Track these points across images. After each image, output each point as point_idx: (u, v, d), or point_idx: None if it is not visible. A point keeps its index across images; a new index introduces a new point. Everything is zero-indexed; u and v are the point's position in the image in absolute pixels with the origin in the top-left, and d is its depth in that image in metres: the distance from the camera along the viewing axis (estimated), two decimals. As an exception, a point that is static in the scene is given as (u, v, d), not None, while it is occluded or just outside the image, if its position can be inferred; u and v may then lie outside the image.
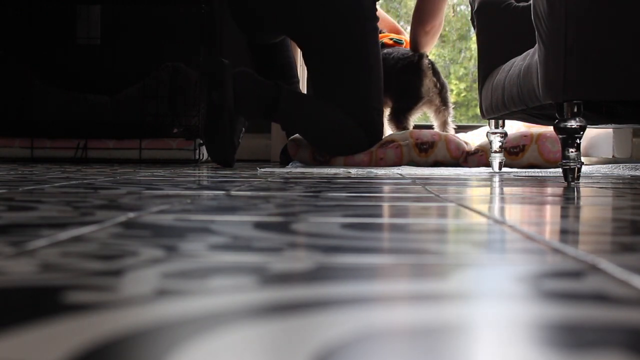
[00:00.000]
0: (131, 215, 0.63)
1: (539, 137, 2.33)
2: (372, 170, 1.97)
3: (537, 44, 1.42)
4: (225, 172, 1.81)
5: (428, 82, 2.61)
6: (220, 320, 0.26)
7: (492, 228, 0.58)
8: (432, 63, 2.65)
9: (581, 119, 1.35)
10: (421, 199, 0.88)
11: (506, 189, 1.14)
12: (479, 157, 2.37)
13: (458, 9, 4.63)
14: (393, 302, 0.30)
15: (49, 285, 0.33)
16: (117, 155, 2.72)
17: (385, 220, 0.64)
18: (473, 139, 2.58)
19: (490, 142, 2.04)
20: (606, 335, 0.25)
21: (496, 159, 2.02)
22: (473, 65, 4.48)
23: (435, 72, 2.64)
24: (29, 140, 2.72)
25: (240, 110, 2.25)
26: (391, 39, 2.80)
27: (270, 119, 2.38)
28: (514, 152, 2.34)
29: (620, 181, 1.50)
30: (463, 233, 0.56)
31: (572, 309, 0.29)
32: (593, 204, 0.86)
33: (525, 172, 2.02)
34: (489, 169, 2.10)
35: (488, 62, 1.96)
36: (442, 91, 2.64)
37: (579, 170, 1.37)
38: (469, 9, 2.16)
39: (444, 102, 2.65)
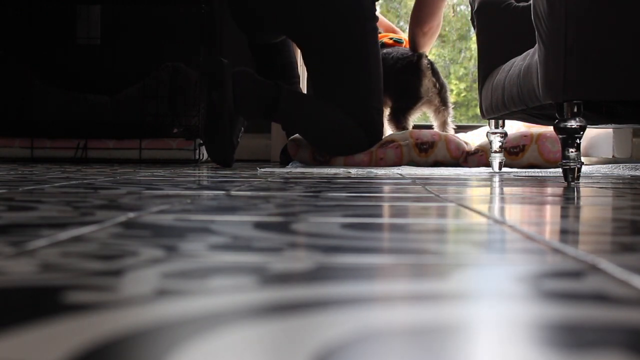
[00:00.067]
0: (131, 215, 0.63)
1: (539, 137, 2.33)
2: (372, 170, 1.97)
3: (537, 44, 1.42)
4: (225, 172, 1.81)
5: (427, 82, 2.61)
6: (220, 320, 0.26)
7: (492, 228, 0.58)
8: (431, 63, 2.65)
9: (581, 119, 1.35)
10: (421, 199, 0.88)
11: (506, 189, 1.14)
12: (479, 157, 2.37)
13: (458, 9, 4.63)
14: (393, 302, 0.30)
15: (49, 285, 0.33)
16: (117, 155, 2.72)
17: (385, 220, 0.64)
18: (473, 139, 2.58)
19: (490, 142, 2.04)
20: (606, 335, 0.25)
21: (496, 159, 2.02)
22: (473, 65, 4.48)
23: (435, 72, 2.64)
24: (29, 140, 2.72)
25: (240, 110, 2.25)
26: (391, 38, 2.80)
27: (270, 119, 2.38)
28: (514, 152, 2.34)
29: (620, 181, 1.50)
30: (463, 233, 0.56)
31: (572, 309, 0.29)
32: (593, 204, 0.86)
33: (525, 172, 2.02)
34: (489, 169, 2.10)
35: (488, 62, 1.96)
36: (441, 91, 2.64)
37: (579, 170, 1.37)
38: (469, 9, 2.16)
39: (444, 102, 2.65)
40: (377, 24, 2.45)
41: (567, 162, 1.36)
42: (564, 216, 0.71)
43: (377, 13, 2.50)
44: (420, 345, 0.24)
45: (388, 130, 2.66)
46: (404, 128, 2.60)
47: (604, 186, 1.27)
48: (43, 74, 2.93)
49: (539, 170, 2.16)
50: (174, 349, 0.23)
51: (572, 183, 1.35)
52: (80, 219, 0.59)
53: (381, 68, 2.42)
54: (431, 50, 2.81)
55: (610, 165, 2.39)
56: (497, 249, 0.46)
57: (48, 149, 2.73)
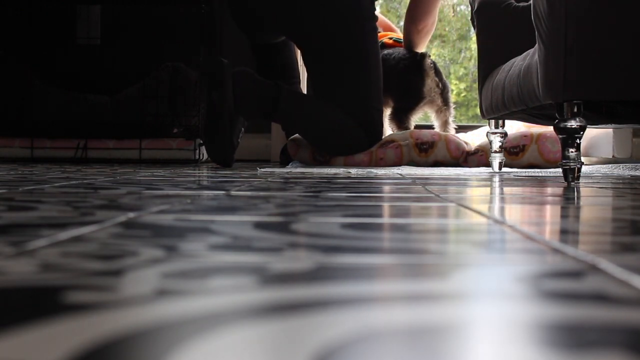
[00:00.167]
0: (131, 215, 0.63)
1: (539, 137, 2.33)
2: (372, 170, 1.97)
3: (537, 44, 1.42)
4: (225, 172, 1.81)
5: (430, 82, 2.61)
6: (220, 320, 0.26)
7: (492, 228, 0.58)
8: (434, 63, 2.65)
9: (581, 119, 1.35)
10: (421, 199, 0.88)
11: (506, 189, 1.14)
12: (479, 157, 2.37)
13: (458, 9, 4.63)
14: (393, 302, 0.30)
15: (49, 285, 0.33)
16: (117, 155, 2.72)
17: (385, 220, 0.64)
18: (473, 139, 2.58)
19: (490, 142, 2.04)
20: (606, 335, 0.25)
21: (496, 159, 2.02)
22: (473, 65, 4.48)
23: (438, 72, 2.64)
24: (29, 140, 2.72)
25: (240, 110, 2.25)
26: (391, 38, 2.80)
27: (270, 119, 2.38)
28: (514, 152, 2.34)
29: (620, 181, 1.50)
30: (463, 233, 0.56)
31: (572, 309, 0.29)
32: (593, 204, 0.86)
33: (525, 172, 2.02)
34: (489, 169, 2.10)
35: (488, 62, 1.96)
36: (444, 91, 2.64)
37: (579, 170, 1.37)
38: (469, 9, 2.16)
39: (446, 102, 2.65)
40: (377, 23, 2.45)
41: (567, 162, 1.36)
42: (564, 216, 0.71)
43: (377, 12, 2.50)
44: (420, 345, 0.24)
45: (389, 130, 2.66)
46: (406, 128, 2.60)
47: (604, 186, 1.27)
48: (43, 74, 2.93)
49: (539, 170, 2.16)
50: (174, 349, 0.23)
51: (572, 183, 1.35)
52: (80, 219, 0.59)
53: (381, 68, 2.42)
54: (431, 50, 2.81)
55: (610, 165, 2.39)
56: (497, 249, 0.46)
57: (48, 149, 2.73)
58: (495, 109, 1.84)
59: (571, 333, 0.25)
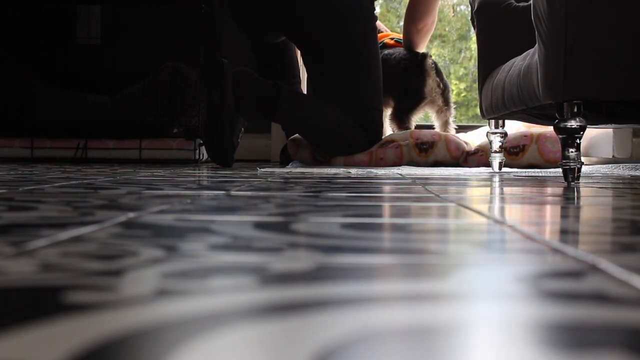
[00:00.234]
0: (131, 215, 0.63)
1: (539, 137, 2.33)
2: (372, 170, 1.97)
3: (537, 44, 1.42)
4: (225, 172, 1.81)
5: (431, 82, 2.61)
6: (220, 320, 0.26)
7: (492, 228, 0.58)
8: (435, 63, 2.65)
9: (581, 119, 1.35)
10: (421, 199, 0.88)
11: (506, 189, 1.14)
12: (479, 157, 2.37)
13: (458, 9, 4.63)
14: (393, 302, 0.30)
15: (49, 285, 0.33)
16: (117, 155, 2.72)
17: (385, 220, 0.64)
18: (473, 139, 2.58)
19: (490, 142, 2.04)
20: (606, 335, 0.25)
21: (496, 159, 2.02)
22: (473, 65, 4.48)
23: (438, 72, 2.64)
24: (29, 140, 2.72)
25: (240, 110, 2.25)
26: (392, 38, 2.80)
27: (270, 119, 2.38)
28: (514, 152, 2.34)
29: (620, 181, 1.50)
30: (463, 233, 0.56)
31: (572, 309, 0.29)
32: (593, 204, 0.86)
33: (525, 172, 2.02)
34: (489, 169, 2.10)
35: (488, 62, 1.96)
36: (444, 91, 2.64)
37: (579, 170, 1.37)
38: (469, 9, 2.16)
39: (446, 102, 2.65)
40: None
41: (567, 162, 1.36)
42: (564, 216, 0.71)
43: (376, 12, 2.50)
44: (420, 345, 0.24)
45: (390, 130, 2.66)
46: (407, 128, 2.59)
47: (604, 186, 1.27)
48: (43, 74, 2.93)
49: (539, 170, 2.16)
50: (174, 349, 0.23)
51: (572, 183, 1.35)
52: (80, 219, 0.59)
53: (381, 68, 2.42)
54: (431, 50, 2.81)
55: (610, 165, 2.39)
56: (497, 249, 0.46)
57: (48, 149, 2.73)
58: (495, 109, 1.84)
59: (571, 333, 0.25)
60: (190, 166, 2.35)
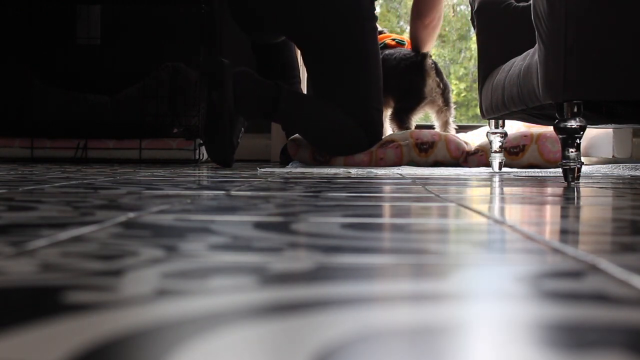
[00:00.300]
0: (131, 215, 0.63)
1: (539, 137, 2.33)
2: (372, 170, 1.97)
3: (537, 44, 1.42)
4: (225, 172, 1.81)
5: (431, 82, 2.61)
6: (220, 320, 0.26)
7: (492, 228, 0.58)
8: (435, 63, 2.65)
9: (581, 119, 1.35)
10: (421, 199, 0.88)
11: (506, 189, 1.14)
12: (479, 157, 2.37)
13: (458, 9, 4.63)
14: (393, 302, 0.30)
15: (49, 285, 0.33)
16: (117, 155, 2.72)
17: (385, 220, 0.64)
18: (473, 139, 2.58)
19: (490, 142, 2.04)
20: (606, 335, 0.25)
21: (496, 159, 2.02)
22: (473, 65, 4.48)
23: (438, 73, 2.64)
24: (29, 140, 2.72)
25: (240, 110, 2.25)
26: (393, 39, 2.80)
27: (270, 119, 2.38)
28: (514, 152, 2.34)
29: (620, 181, 1.50)
30: (463, 233, 0.56)
31: (572, 309, 0.29)
32: (593, 204, 0.86)
33: (525, 172, 2.02)
34: (489, 169, 2.10)
35: (488, 62, 1.96)
36: (445, 91, 2.64)
37: (579, 170, 1.37)
38: (469, 9, 2.16)
39: (446, 102, 2.65)
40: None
41: (567, 162, 1.36)
42: (564, 216, 0.71)
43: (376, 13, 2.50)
44: (420, 345, 0.24)
45: (390, 130, 2.66)
46: (407, 128, 2.59)
47: (604, 186, 1.27)
48: (43, 74, 2.93)
49: (539, 170, 2.16)
50: (174, 349, 0.23)
51: (572, 183, 1.35)
52: (80, 219, 0.59)
53: (381, 68, 2.42)
54: (431, 50, 2.80)
55: (610, 165, 2.39)
56: (497, 249, 0.46)
57: (48, 149, 2.73)
58: (495, 109, 1.84)
59: (571, 333, 0.25)
60: (190, 166, 2.35)
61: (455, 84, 4.52)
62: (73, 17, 3.07)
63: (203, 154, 2.77)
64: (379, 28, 2.85)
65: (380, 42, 2.58)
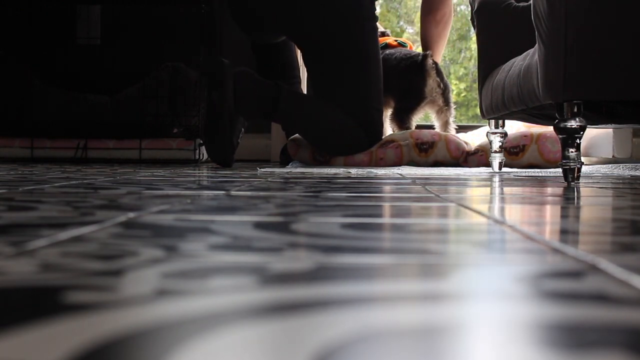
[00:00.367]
0: (131, 215, 0.63)
1: (539, 137, 2.33)
2: (372, 170, 1.97)
3: (537, 44, 1.42)
4: (225, 172, 1.81)
5: (432, 82, 2.61)
6: (220, 320, 0.26)
7: (492, 228, 0.58)
8: (435, 63, 2.65)
9: (581, 119, 1.35)
10: (421, 199, 0.88)
11: (506, 189, 1.14)
12: (479, 157, 2.37)
13: (458, 9, 4.63)
14: (393, 302, 0.30)
15: (49, 285, 0.33)
16: (117, 155, 2.72)
17: (385, 220, 0.64)
18: (473, 139, 2.58)
19: (490, 142, 2.04)
20: (606, 335, 0.25)
21: (496, 159, 2.02)
22: (473, 65, 4.48)
23: (439, 73, 2.64)
24: (29, 140, 2.72)
25: (240, 110, 2.25)
26: (395, 40, 2.80)
27: (270, 119, 2.38)
28: (514, 152, 2.34)
29: (620, 181, 1.50)
30: (463, 233, 0.56)
31: (572, 309, 0.29)
32: (593, 204, 0.86)
33: (525, 172, 2.02)
34: (489, 169, 2.10)
35: (488, 62, 1.96)
36: (445, 91, 2.64)
37: (579, 170, 1.37)
38: (469, 9, 2.16)
39: (447, 102, 2.65)
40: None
41: (567, 162, 1.36)
42: (564, 216, 0.71)
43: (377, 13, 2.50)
44: (420, 345, 0.24)
45: (390, 130, 2.65)
46: (407, 128, 2.59)
47: (604, 186, 1.27)
48: (43, 74, 2.93)
49: (539, 170, 2.16)
50: (174, 349, 0.23)
51: (572, 183, 1.35)
52: (80, 219, 0.59)
53: (381, 68, 2.41)
54: (442, 54, 2.79)
55: (610, 165, 2.39)
56: (497, 249, 0.46)
57: (48, 149, 2.73)
58: (495, 109, 1.84)
59: (571, 333, 0.25)
60: (190, 166, 2.35)
61: (455, 84, 4.52)
62: (73, 17, 3.07)
63: (203, 154, 2.77)
64: (383, 30, 2.86)
65: (381, 43, 2.58)
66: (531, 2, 1.43)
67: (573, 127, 1.35)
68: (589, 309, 0.29)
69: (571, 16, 1.31)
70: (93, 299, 0.30)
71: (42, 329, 0.25)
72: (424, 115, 2.74)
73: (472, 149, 2.42)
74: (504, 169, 2.15)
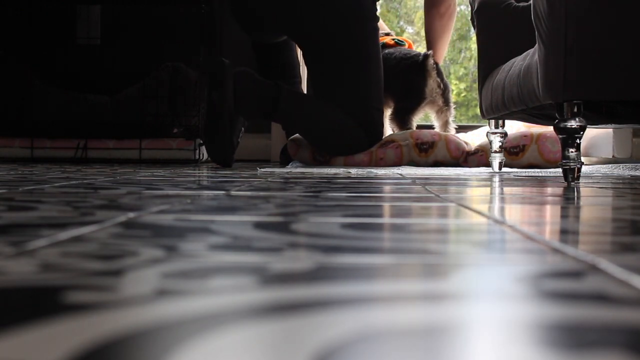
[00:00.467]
0: (131, 215, 0.63)
1: (539, 137, 2.33)
2: (372, 170, 1.97)
3: (537, 44, 1.42)
4: (225, 172, 1.81)
5: (432, 82, 2.60)
6: (220, 320, 0.26)
7: (492, 228, 0.58)
8: (436, 63, 2.65)
9: (581, 119, 1.35)
10: (421, 199, 0.88)
11: (506, 189, 1.14)
12: (479, 157, 2.37)
13: (458, 9, 4.63)
14: (393, 302, 0.30)
15: (49, 285, 0.33)
16: (117, 155, 2.72)
17: (385, 220, 0.64)
18: (473, 139, 2.58)
19: (490, 142, 2.04)
20: (606, 335, 0.25)
21: (496, 159, 2.02)
22: (473, 65, 4.48)
23: (439, 73, 2.64)
24: (29, 140, 2.72)
25: (240, 110, 2.25)
26: (393, 39, 2.80)
27: (270, 119, 2.38)
28: (514, 152, 2.34)
29: (620, 181, 1.50)
30: (463, 233, 0.56)
31: (572, 309, 0.29)
32: (593, 204, 0.86)
33: (525, 172, 2.02)
34: (489, 169, 2.10)
35: (488, 62, 1.96)
36: (445, 91, 2.64)
37: (579, 170, 1.37)
38: (469, 9, 2.16)
39: (447, 102, 2.65)
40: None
41: (567, 162, 1.36)
42: (564, 216, 0.71)
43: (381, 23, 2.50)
44: (420, 345, 0.24)
45: (390, 130, 2.65)
46: (408, 128, 2.59)
47: (604, 186, 1.27)
48: (43, 74, 2.93)
49: (539, 170, 2.16)
50: (174, 349, 0.23)
51: (572, 183, 1.35)
52: (80, 219, 0.59)
53: (382, 68, 2.41)
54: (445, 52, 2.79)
55: (610, 165, 2.39)
56: (497, 249, 0.46)
57: (48, 149, 2.73)
58: (495, 109, 1.84)
59: (571, 333, 0.25)
60: (190, 166, 2.35)
61: (455, 84, 4.52)
62: (73, 17, 3.07)
63: (203, 154, 2.77)
64: (388, 31, 2.86)
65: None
66: (531, 2, 1.43)
67: (573, 127, 1.35)
68: (589, 309, 0.29)
69: (571, 16, 1.31)
70: (93, 299, 0.30)
71: (42, 329, 0.25)
72: (424, 115, 2.74)
73: (472, 149, 2.42)
74: (504, 169, 2.15)
